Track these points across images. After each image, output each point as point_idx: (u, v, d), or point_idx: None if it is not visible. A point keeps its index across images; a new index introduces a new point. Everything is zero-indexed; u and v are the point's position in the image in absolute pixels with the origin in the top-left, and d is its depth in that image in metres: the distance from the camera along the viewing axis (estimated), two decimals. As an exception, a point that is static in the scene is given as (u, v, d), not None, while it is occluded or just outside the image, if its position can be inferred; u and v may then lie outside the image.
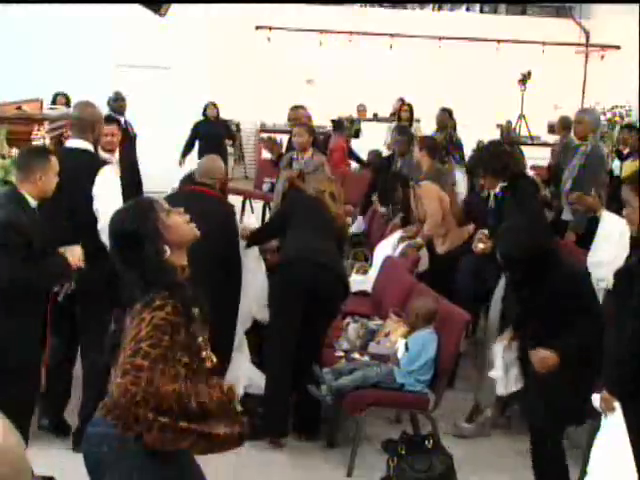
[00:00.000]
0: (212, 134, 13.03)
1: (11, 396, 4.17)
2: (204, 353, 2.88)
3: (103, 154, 6.49)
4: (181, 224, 2.93)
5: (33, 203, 4.48)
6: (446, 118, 11.61)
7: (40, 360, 4.64)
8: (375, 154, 12.36)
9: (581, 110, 7.81)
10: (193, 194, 5.57)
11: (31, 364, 4.56)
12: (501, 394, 5.19)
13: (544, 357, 4.34)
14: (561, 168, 7.58)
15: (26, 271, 4.35)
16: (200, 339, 2.86)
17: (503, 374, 5.02)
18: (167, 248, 2.84)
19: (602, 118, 15.30)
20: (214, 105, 13.32)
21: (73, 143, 5.15)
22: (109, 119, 6.75)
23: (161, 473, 2.86)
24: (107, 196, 4.81)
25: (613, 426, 3.73)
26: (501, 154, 6.20)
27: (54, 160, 4.54)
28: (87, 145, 5.09)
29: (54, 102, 10.58)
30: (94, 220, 4.81)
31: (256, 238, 5.99)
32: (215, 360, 2.96)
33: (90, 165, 5.01)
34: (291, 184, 7.05)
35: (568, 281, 4.44)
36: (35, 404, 4.81)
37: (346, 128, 14.43)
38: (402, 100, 15.47)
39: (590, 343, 4.23)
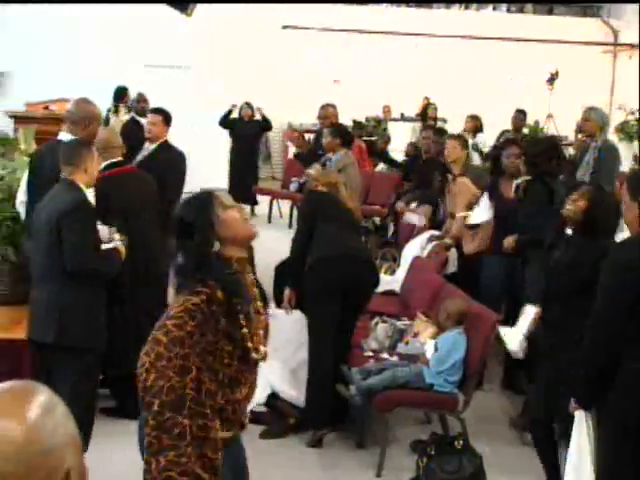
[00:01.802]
0: (246, 135, 13.06)
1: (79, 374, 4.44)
2: (249, 344, 2.95)
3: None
4: (236, 220, 3.00)
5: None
6: (520, 119, 11.56)
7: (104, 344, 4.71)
8: (412, 145, 12.26)
9: (588, 108, 7.75)
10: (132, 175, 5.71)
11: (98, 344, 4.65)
12: (510, 349, 5.10)
13: None
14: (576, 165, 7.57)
15: (99, 260, 4.55)
16: (245, 330, 2.92)
17: (523, 337, 4.95)
18: (217, 241, 2.93)
19: (630, 118, 15.24)
20: (248, 105, 13.22)
21: (61, 136, 5.26)
22: (154, 110, 7.04)
23: None
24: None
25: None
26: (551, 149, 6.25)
27: (95, 150, 4.71)
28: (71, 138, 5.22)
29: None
30: None
31: (294, 256, 5.67)
32: (265, 353, 3.04)
33: None
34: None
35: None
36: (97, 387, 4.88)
37: (364, 127, 14.43)
38: (427, 99, 15.51)
39: None
